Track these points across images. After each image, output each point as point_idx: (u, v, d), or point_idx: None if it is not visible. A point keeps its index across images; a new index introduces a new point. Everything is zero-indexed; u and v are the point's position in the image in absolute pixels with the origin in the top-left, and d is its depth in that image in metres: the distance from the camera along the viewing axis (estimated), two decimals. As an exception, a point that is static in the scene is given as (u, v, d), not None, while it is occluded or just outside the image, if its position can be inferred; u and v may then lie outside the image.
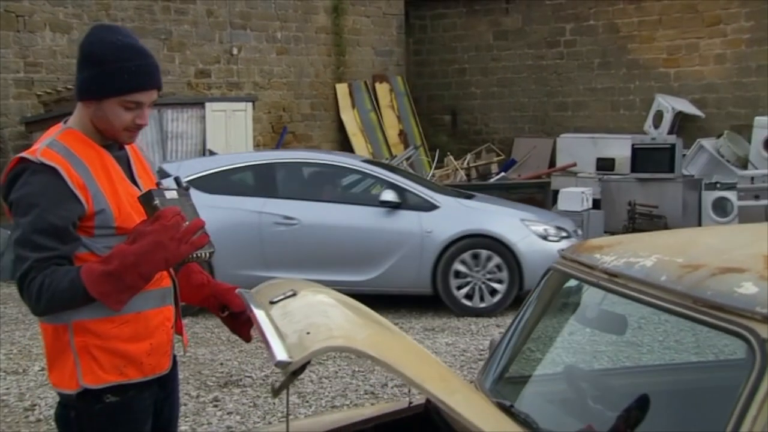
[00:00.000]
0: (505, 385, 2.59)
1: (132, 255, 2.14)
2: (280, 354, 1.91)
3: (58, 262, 2.20)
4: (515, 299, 7.57)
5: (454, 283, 7.70)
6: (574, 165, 13.20)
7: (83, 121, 2.34)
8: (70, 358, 2.29)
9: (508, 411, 2.27)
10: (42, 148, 2.26)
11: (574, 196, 10.64)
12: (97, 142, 2.34)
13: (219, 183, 7.92)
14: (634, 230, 10.60)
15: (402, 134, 15.55)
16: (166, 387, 2.50)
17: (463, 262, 7.67)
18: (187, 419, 4.99)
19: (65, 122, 2.40)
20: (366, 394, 5.57)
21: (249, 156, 8.80)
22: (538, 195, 11.24)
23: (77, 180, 2.23)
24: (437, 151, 14.67)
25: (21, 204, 2.22)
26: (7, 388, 5.72)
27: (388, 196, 7.76)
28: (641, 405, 2.34)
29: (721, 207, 10.99)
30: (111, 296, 2.16)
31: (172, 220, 2.16)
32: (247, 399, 5.47)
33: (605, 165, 12.67)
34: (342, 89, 15.25)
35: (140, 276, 2.16)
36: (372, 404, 5.08)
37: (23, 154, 2.27)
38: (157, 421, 2.50)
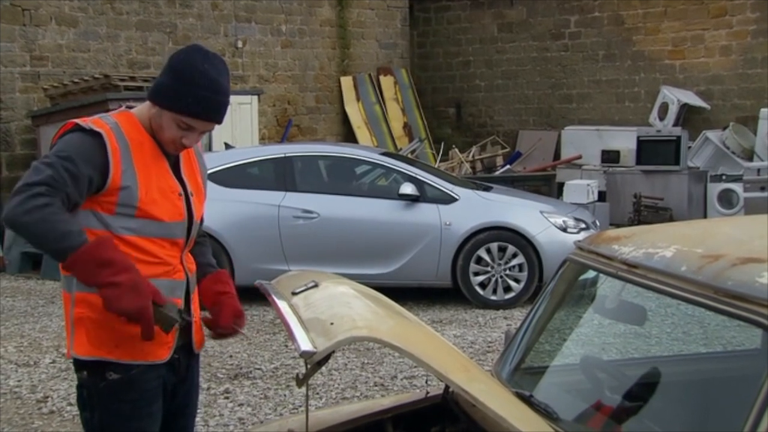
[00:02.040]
0: (522, 375, 2.61)
1: (132, 280, 2.25)
2: (305, 344, 1.94)
3: (63, 198, 2.27)
4: (534, 291, 7.58)
5: (473, 269, 7.71)
6: (580, 157, 13.20)
7: (144, 114, 2.46)
8: (70, 326, 2.43)
9: (527, 401, 2.29)
10: (94, 118, 2.41)
11: (580, 189, 10.63)
12: (149, 134, 2.45)
13: (237, 177, 7.92)
14: (640, 222, 10.60)
15: (406, 127, 15.54)
16: (177, 372, 2.55)
17: (488, 251, 7.69)
18: (198, 411, 4.99)
19: (126, 107, 2.52)
20: (376, 385, 5.60)
21: (267, 149, 8.79)
22: (543, 187, 11.25)
23: (115, 149, 2.34)
24: (442, 143, 14.65)
25: (60, 147, 2.34)
26: (19, 380, 5.75)
27: (407, 189, 7.77)
28: (649, 394, 2.36)
29: (726, 199, 10.98)
30: (81, 277, 2.27)
31: (147, 300, 2.28)
32: (257, 391, 5.50)
33: (610, 157, 12.67)
34: (346, 82, 15.24)
35: (111, 281, 2.25)
36: (382, 396, 5.11)
37: (76, 120, 2.40)
38: (171, 404, 2.57)
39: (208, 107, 2.37)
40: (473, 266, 7.72)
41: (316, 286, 2.27)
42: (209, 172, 8.17)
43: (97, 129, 2.34)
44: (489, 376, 2.41)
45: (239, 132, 11.31)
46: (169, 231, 2.44)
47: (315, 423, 2.51)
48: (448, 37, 16.17)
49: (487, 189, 8.41)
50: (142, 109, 2.47)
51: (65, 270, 2.33)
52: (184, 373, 2.60)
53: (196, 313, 2.58)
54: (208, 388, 5.52)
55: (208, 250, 2.74)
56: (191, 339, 2.56)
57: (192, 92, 2.34)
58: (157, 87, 2.40)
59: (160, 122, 2.40)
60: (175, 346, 2.49)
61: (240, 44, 13.65)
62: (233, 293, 2.61)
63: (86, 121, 2.37)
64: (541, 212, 7.88)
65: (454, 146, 14.23)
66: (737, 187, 10.75)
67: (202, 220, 2.70)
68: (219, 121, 2.44)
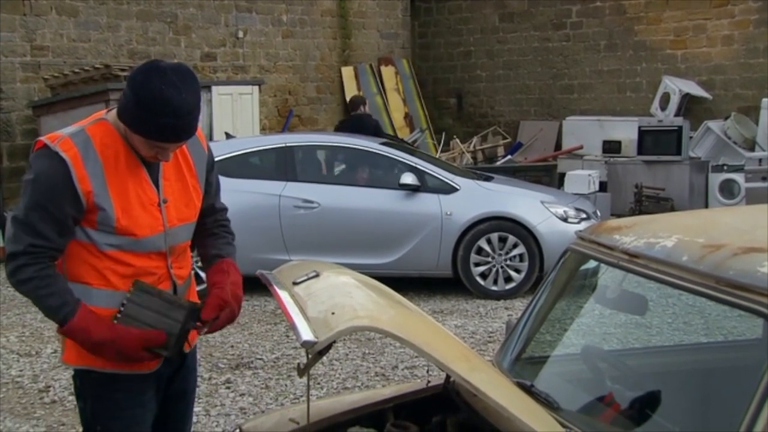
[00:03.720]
0: (523, 365, 2.61)
1: (111, 338, 2.35)
2: (306, 334, 1.94)
3: (52, 254, 2.33)
4: (534, 281, 7.57)
5: (473, 259, 7.71)
6: (581, 148, 13.18)
7: (120, 122, 2.40)
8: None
9: (529, 390, 2.29)
10: (64, 137, 2.35)
11: (581, 179, 10.62)
12: (125, 143, 2.41)
13: (238, 166, 7.90)
14: (641, 213, 10.60)
15: (408, 117, 15.53)
16: (171, 362, 2.55)
17: (489, 242, 7.69)
18: (200, 401, 5.03)
19: (109, 111, 2.46)
20: (377, 375, 5.60)
21: (268, 139, 8.77)
22: (544, 178, 11.23)
23: (82, 176, 2.31)
24: (443, 134, 14.63)
25: (28, 186, 2.34)
26: (21, 370, 5.76)
27: (408, 179, 7.75)
28: (650, 383, 2.36)
29: (728, 189, 10.97)
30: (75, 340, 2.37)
31: (138, 353, 2.38)
32: (259, 381, 5.51)
33: (612, 147, 12.64)
34: (347, 72, 15.21)
35: (99, 350, 2.37)
36: (383, 385, 5.11)
37: (45, 139, 2.36)
38: (169, 390, 2.59)
39: (172, 132, 2.32)
40: (474, 256, 7.72)
41: (317, 276, 2.27)
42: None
43: (63, 155, 2.30)
44: (490, 366, 2.41)
45: (240, 122, 11.29)
46: (151, 245, 2.43)
47: (316, 413, 2.52)
48: (449, 27, 16.13)
49: (488, 179, 8.40)
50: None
51: (71, 337, 2.40)
52: (179, 362, 2.60)
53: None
54: (210, 378, 5.54)
55: (218, 240, 2.67)
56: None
57: (153, 120, 2.27)
58: (123, 107, 2.34)
59: (132, 139, 2.37)
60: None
61: (241, 34, 13.61)
62: (223, 284, 2.53)
63: (55, 141, 2.33)
64: (542, 202, 7.87)
65: (455, 136, 14.22)
66: (738, 177, 10.74)
67: (216, 210, 2.68)
68: (187, 138, 2.40)
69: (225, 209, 2.75)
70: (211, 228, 2.66)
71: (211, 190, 2.64)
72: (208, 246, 2.65)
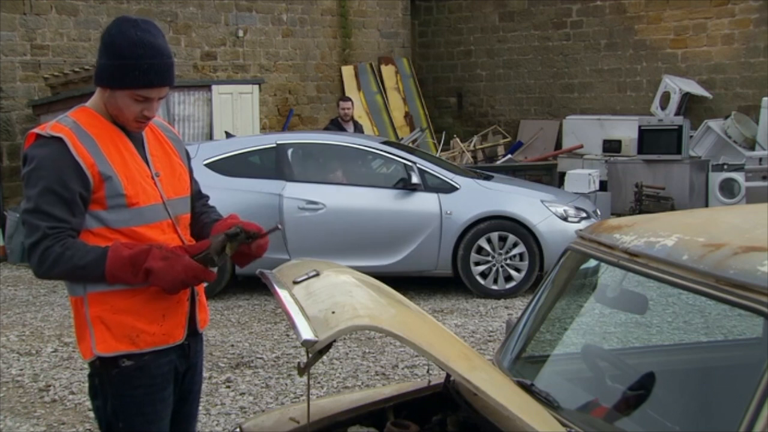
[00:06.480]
0: (523, 364, 2.61)
1: (157, 266, 2.31)
2: (306, 333, 1.94)
3: (71, 234, 2.33)
4: (535, 281, 7.57)
5: (473, 259, 7.71)
6: (581, 147, 13.18)
7: (98, 103, 2.47)
8: (87, 328, 2.42)
9: (529, 390, 2.29)
10: (52, 123, 2.41)
11: (581, 178, 10.63)
12: (109, 122, 2.46)
13: (238, 165, 7.89)
14: (641, 212, 10.60)
15: (408, 116, 15.53)
16: (187, 357, 2.57)
17: (489, 241, 7.69)
18: (200, 400, 5.02)
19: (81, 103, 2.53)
20: (377, 375, 5.61)
21: (268, 138, 8.76)
22: (544, 177, 11.23)
23: (81, 150, 2.35)
24: (443, 133, 14.63)
25: (31, 177, 2.36)
26: (21, 369, 5.76)
27: (408, 178, 7.75)
28: (651, 382, 2.36)
29: (728, 188, 10.97)
30: (128, 281, 2.33)
31: (197, 273, 2.35)
32: (259, 380, 5.51)
33: (612, 147, 12.65)
34: (348, 71, 15.21)
35: (145, 279, 2.34)
36: (383, 385, 5.11)
37: (36, 130, 2.41)
38: (177, 390, 2.58)
39: (156, 73, 2.37)
40: (474, 255, 7.71)
41: (317, 275, 2.27)
42: (210, 161, 8.17)
43: (57, 134, 2.35)
44: (490, 365, 2.41)
45: (240, 121, 11.30)
46: (156, 215, 2.46)
47: (316, 412, 2.52)
48: (449, 26, 16.12)
49: (488, 178, 8.40)
50: (95, 99, 2.48)
51: (115, 281, 2.36)
52: (194, 358, 2.62)
53: (201, 291, 2.59)
54: (210, 377, 5.53)
55: (212, 214, 2.73)
56: (195, 319, 2.57)
57: (136, 64, 2.34)
58: (102, 71, 2.40)
59: (117, 103, 2.40)
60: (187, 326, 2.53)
61: (241, 33, 13.61)
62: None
63: (45, 129, 2.38)
64: (542, 201, 7.87)
65: (455, 136, 14.22)
66: (739, 177, 10.73)
67: (202, 196, 2.75)
68: (171, 83, 2.44)
69: (208, 197, 2.82)
70: (201, 209, 2.72)
71: (192, 176, 2.71)
72: (204, 220, 2.69)
